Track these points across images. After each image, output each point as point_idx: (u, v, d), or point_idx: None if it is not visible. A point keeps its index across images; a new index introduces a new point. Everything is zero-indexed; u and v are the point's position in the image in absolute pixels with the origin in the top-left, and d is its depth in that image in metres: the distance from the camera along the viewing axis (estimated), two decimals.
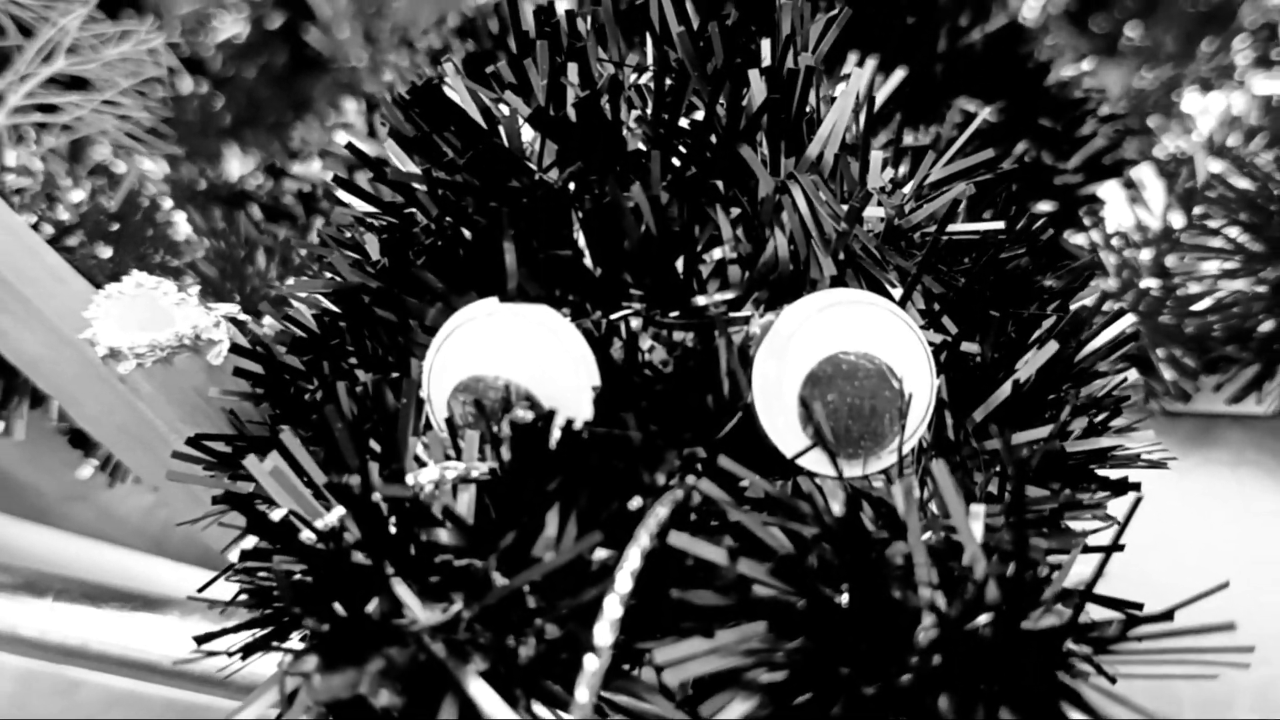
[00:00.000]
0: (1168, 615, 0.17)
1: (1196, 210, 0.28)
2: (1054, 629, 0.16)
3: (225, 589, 0.27)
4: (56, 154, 0.33)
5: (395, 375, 0.20)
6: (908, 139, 0.29)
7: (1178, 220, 0.29)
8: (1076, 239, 0.31)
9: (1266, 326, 0.27)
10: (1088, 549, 0.18)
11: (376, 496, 0.17)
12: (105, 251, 0.29)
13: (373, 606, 0.17)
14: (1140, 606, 0.18)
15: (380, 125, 0.35)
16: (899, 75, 0.28)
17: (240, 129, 0.47)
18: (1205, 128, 0.34)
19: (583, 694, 0.16)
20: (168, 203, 0.32)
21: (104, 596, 0.30)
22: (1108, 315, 0.26)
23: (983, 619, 0.16)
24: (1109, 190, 0.31)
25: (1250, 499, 0.30)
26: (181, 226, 0.31)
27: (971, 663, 0.16)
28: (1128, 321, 0.23)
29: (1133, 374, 0.25)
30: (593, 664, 0.16)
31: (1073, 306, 0.25)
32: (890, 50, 0.32)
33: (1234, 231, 0.27)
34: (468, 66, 0.34)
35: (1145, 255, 0.29)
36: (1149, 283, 0.29)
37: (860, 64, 0.28)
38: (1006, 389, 0.19)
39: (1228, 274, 0.27)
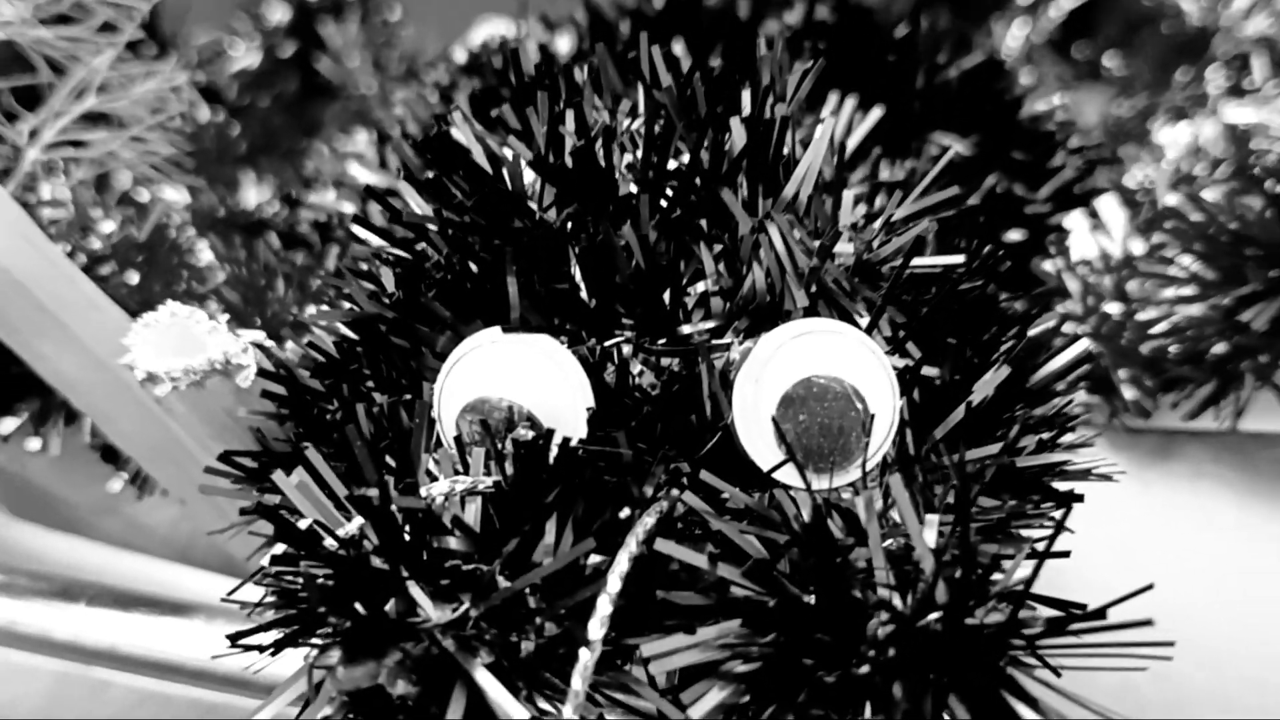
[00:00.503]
0: (1100, 613, 0.19)
1: (1155, 239, 0.30)
2: (995, 625, 0.18)
3: (250, 593, 0.29)
4: (85, 186, 0.35)
5: (408, 397, 0.22)
6: (886, 173, 0.31)
7: (1138, 248, 0.31)
8: (1045, 265, 0.33)
9: (1219, 348, 0.29)
10: (1035, 554, 0.20)
11: (393, 507, 0.19)
12: (135, 279, 0.31)
13: (390, 606, 0.19)
14: (1083, 608, 0.20)
15: (390, 156, 0.37)
16: (876, 114, 0.30)
17: (256, 156, 0.49)
18: (1173, 157, 0.36)
19: (577, 683, 0.18)
20: (191, 231, 0.34)
21: (133, 602, 0.32)
22: (1066, 338, 0.28)
23: (932, 616, 0.18)
24: (1074, 220, 0.33)
25: (1211, 511, 0.32)
26: (204, 254, 0.34)
27: (922, 655, 0.18)
28: (1082, 346, 0.25)
29: (1083, 395, 0.27)
30: (586, 656, 0.18)
31: (1031, 332, 0.27)
32: (870, 88, 0.34)
33: (1188, 260, 0.29)
34: (473, 103, 0.36)
35: (1107, 281, 0.31)
36: (1111, 307, 0.31)
37: (840, 104, 0.30)
38: (962, 410, 0.21)
39: (1183, 300, 0.29)
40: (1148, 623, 0.18)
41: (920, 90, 0.35)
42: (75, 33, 0.36)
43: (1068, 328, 0.30)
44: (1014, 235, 0.33)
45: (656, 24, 0.38)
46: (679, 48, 0.35)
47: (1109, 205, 0.32)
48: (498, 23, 0.61)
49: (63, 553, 0.35)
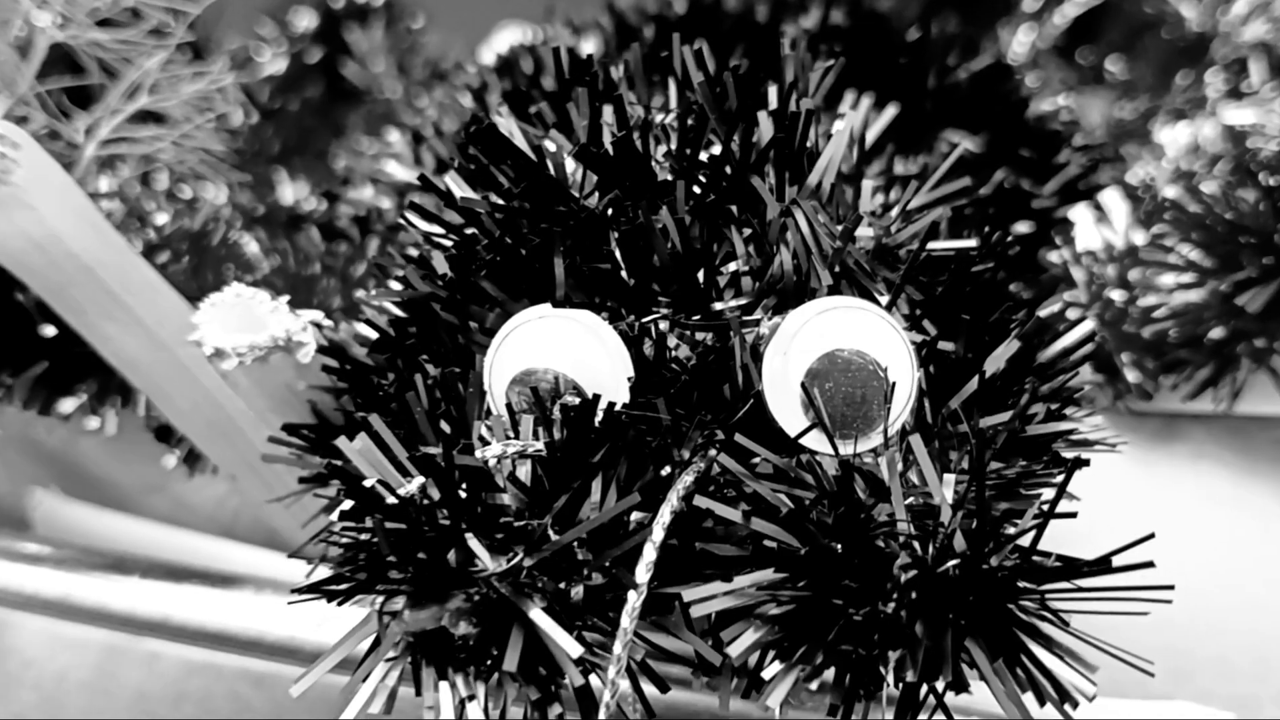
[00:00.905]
0: (1105, 561, 0.20)
1: (1155, 230, 0.32)
2: (1009, 569, 0.19)
3: (289, 569, 0.31)
4: (134, 181, 0.37)
5: (461, 370, 0.24)
6: (900, 167, 0.33)
7: (1139, 239, 0.33)
8: (1051, 256, 0.34)
9: (1217, 332, 0.31)
10: (1042, 512, 0.21)
11: (453, 466, 0.21)
12: (187, 266, 0.33)
13: (450, 556, 0.21)
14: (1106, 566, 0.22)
15: (425, 154, 0.39)
16: (891, 112, 0.32)
17: (288, 156, 0.51)
18: (1174, 155, 0.37)
19: (626, 621, 0.20)
20: (238, 224, 0.36)
21: (184, 575, 0.34)
22: (1071, 321, 0.30)
23: (951, 562, 0.20)
24: (1079, 213, 0.35)
25: (1210, 488, 0.34)
26: (251, 246, 0.35)
27: (942, 597, 0.19)
28: (1087, 327, 0.27)
29: (1087, 371, 0.29)
30: (634, 598, 0.20)
31: (1040, 313, 0.28)
32: (885, 88, 0.36)
33: (1187, 249, 0.31)
34: (506, 101, 0.38)
35: (1111, 270, 0.33)
36: (1114, 294, 0.32)
37: (856, 103, 0.31)
38: (975, 381, 0.23)
39: (1183, 286, 0.31)
40: (1149, 564, 0.20)
41: (932, 90, 0.37)
42: (127, 35, 0.38)
43: (1073, 313, 0.32)
44: (1022, 227, 0.35)
45: (679, 28, 0.39)
46: (703, 47, 0.37)
47: (1112, 198, 0.34)
48: (518, 29, 0.63)
49: (115, 530, 0.36)
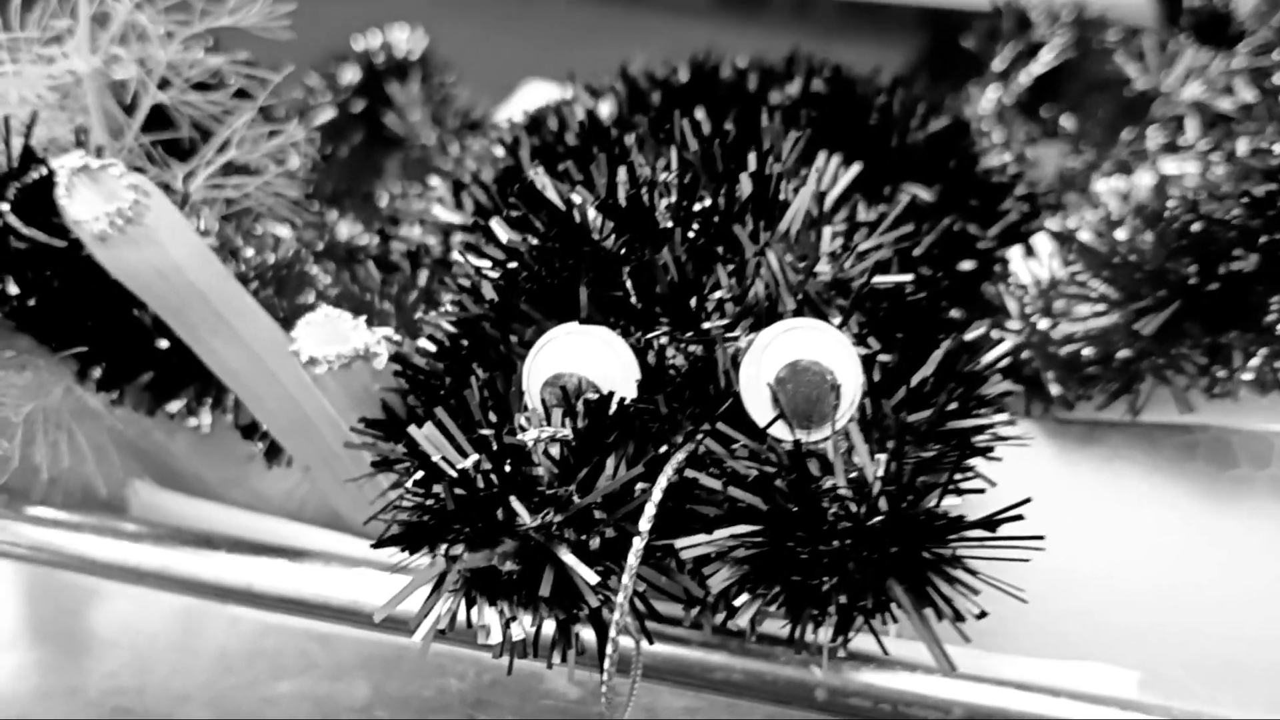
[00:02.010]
0: (989, 520, 0.26)
1: (1074, 268, 0.39)
2: (920, 522, 0.26)
3: (351, 546, 0.37)
4: (224, 220, 0.44)
5: (504, 374, 0.31)
6: (862, 214, 0.39)
7: (1061, 275, 0.39)
8: (990, 289, 0.41)
9: (1123, 353, 0.37)
10: (952, 481, 0.28)
11: (502, 445, 0.27)
12: (270, 293, 0.40)
13: (498, 514, 0.27)
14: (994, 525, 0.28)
15: (465, 199, 0.46)
16: (855, 169, 0.38)
17: (339, 198, 0.58)
18: (1105, 204, 0.44)
19: (632, 560, 0.26)
20: (310, 257, 0.43)
21: (262, 550, 0.40)
22: (994, 340, 0.36)
23: (877, 518, 0.26)
24: (1014, 253, 0.41)
25: (1123, 484, 0.40)
26: (322, 277, 0.42)
27: (869, 543, 0.26)
28: (1005, 346, 0.33)
29: (1009, 384, 0.35)
30: (638, 543, 0.26)
31: (968, 335, 0.35)
32: (855, 146, 0.43)
33: (1098, 283, 0.37)
34: (535, 155, 0.45)
35: (1039, 301, 0.39)
36: (1041, 322, 0.39)
37: (828, 161, 0.38)
38: (903, 390, 0.29)
39: (1095, 315, 0.38)
40: (1019, 518, 0.26)
41: (894, 148, 0.44)
42: (216, 98, 0.45)
43: (1008, 336, 0.39)
44: (966, 265, 0.41)
45: (682, 94, 0.46)
46: (700, 113, 0.44)
47: (1041, 241, 0.41)
48: (542, 85, 0.70)
49: (202, 514, 0.43)
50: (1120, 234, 0.38)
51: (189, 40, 0.44)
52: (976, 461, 0.31)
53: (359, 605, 0.39)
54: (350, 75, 0.67)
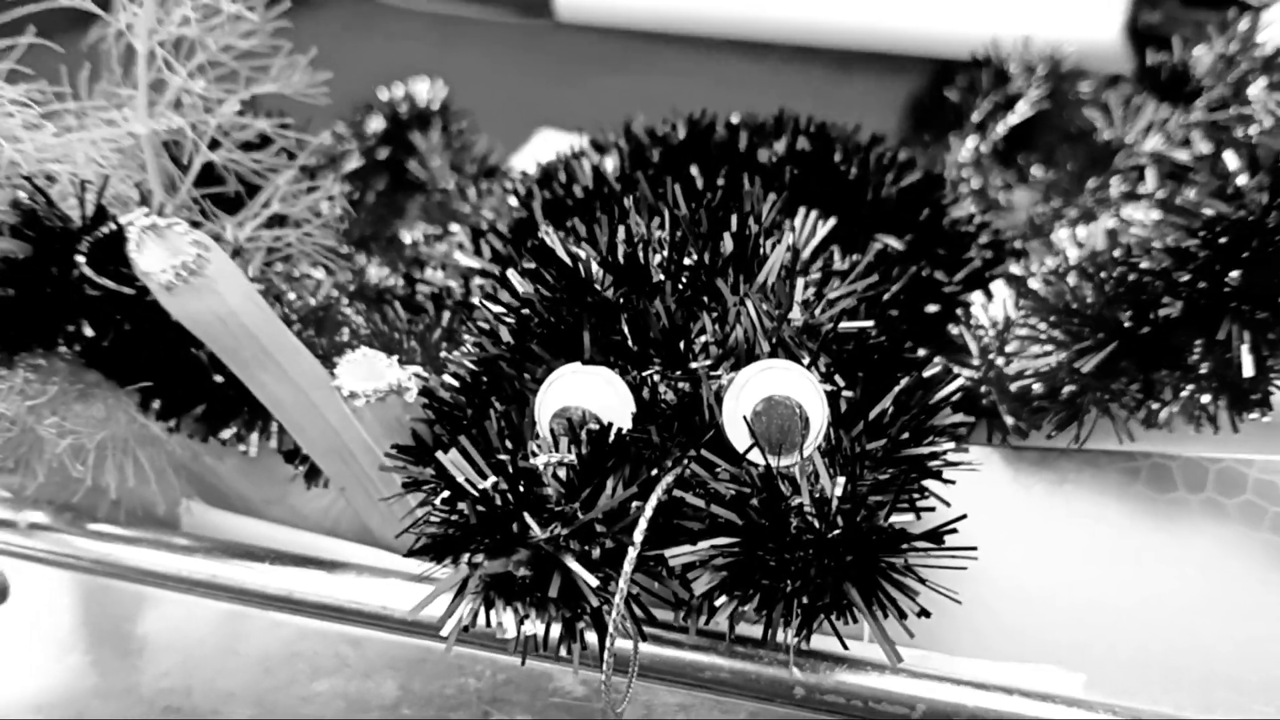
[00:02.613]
0: (933, 534, 0.31)
1: (1025, 312, 0.43)
2: (871, 535, 0.30)
3: (382, 559, 0.42)
4: (268, 267, 0.49)
5: (519, 407, 0.35)
6: (838, 262, 0.44)
7: (1015, 317, 0.44)
8: (953, 330, 0.45)
9: (1068, 389, 0.42)
10: (907, 501, 0.32)
11: (516, 468, 0.32)
12: (311, 333, 0.45)
13: (514, 528, 0.32)
14: (935, 537, 0.33)
15: (484, 245, 0.51)
16: (831, 223, 0.43)
17: (366, 242, 0.63)
18: (1070, 252, 0.49)
19: (627, 566, 0.30)
20: (344, 300, 0.48)
21: (301, 561, 0.45)
22: (951, 376, 0.41)
23: (835, 532, 0.31)
24: (976, 297, 0.46)
25: (1072, 505, 0.44)
26: (354, 318, 0.47)
27: (828, 552, 0.30)
28: (957, 382, 0.38)
29: (961, 416, 0.40)
30: (632, 551, 0.31)
31: (926, 373, 0.40)
32: (833, 199, 0.48)
33: (1044, 326, 0.42)
34: (545, 207, 0.50)
35: (995, 341, 0.44)
36: (997, 360, 0.43)
37: (806, 217, 0.43)
38: (862, 423, 0.34)
39: (1043, 354, 0.42)
40: (954, 531, 0.31)
41: (870, 201, 0.49)
42: (261, 156, 0.50)
43: (960, 370, 0.43)
44: (932, 308, 0.46)
45: (678, 150, 0.51)
46: (694, 170, 0.49)
47: (999, 287, 0.45)
48: (553, 133, 0.75)
49: (246, 530, 0.48)
50: (1070, 280, 0.43)
51: (236, 105, 0.49)
52: (939, 486, 0.36)
53: (388, 611, 0.43)
54: (375, 124, 0.72)
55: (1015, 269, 0.46)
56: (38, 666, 0.50)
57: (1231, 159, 0.50)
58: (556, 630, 0.33)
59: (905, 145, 0.72)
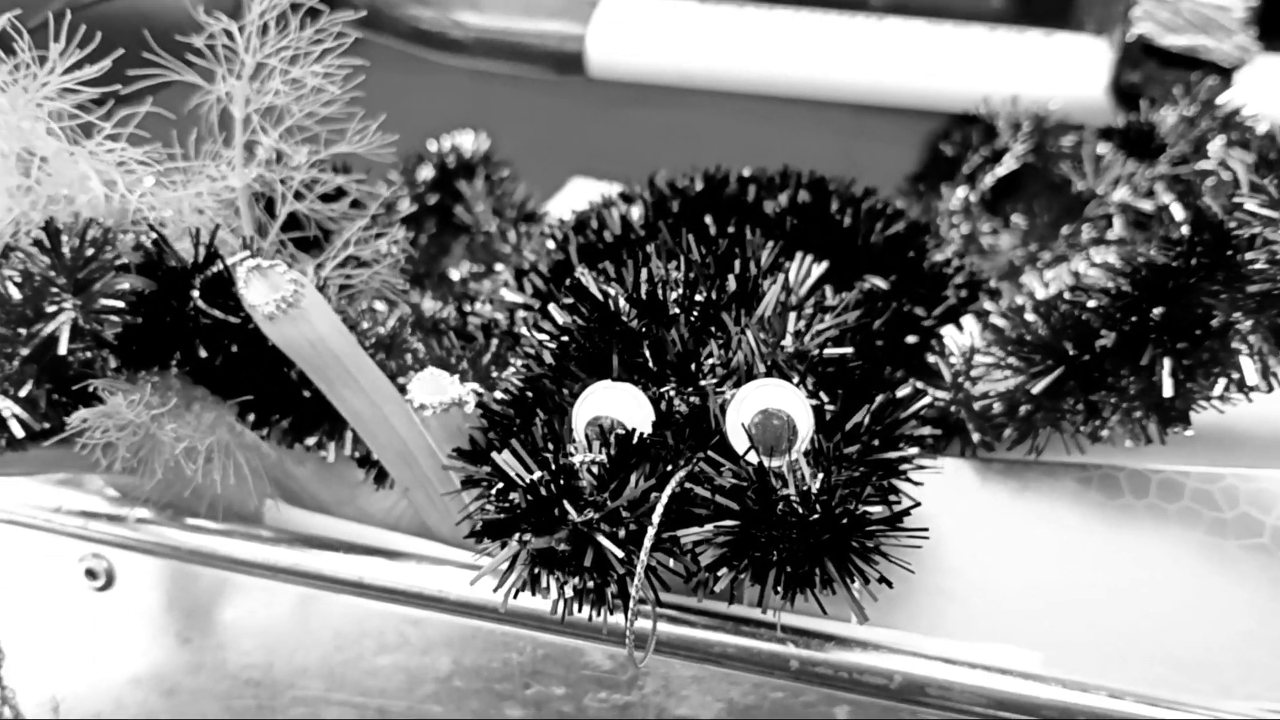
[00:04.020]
0: (892, 519, 0.38)
1: (988, 342, 0.51)
2: (842, 520, 0.38)
3: (439, 550, 0.50)
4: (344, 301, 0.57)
5: (559, 416, 0.43)
6: (829, 299, 0.52)
7: (980, 346, 0.51)
8: (930, 358, 0.53)
9: (1024, 408, 0.49)
10: (885, 499, 0.40)
11: (559, 466, 0.40)
12: (381, 356, 0.53)
13: (555, 512, 0.39)
14: (898, 520, 0.40)
15: (526, 284, 0.59)
16: (823, 266, 0.51)
17: (420, 279, 0.71)
18: (1037, 290, 0.56)
19: (647, 542, 0.38)
20: (408, 329, 0.56)
21: (368, 551, 0.53)
22: (921, 393, 0.48)
23: (814, 517, 0.38)
24: (949, 330, 0.53)
25: (1033, 512, 0.52)
26: (416, 345, 0.55)
27: (809, 533, 0.37)
28: (924, 400, 0.45)
29: (926, 428, 0.47)
30: (650, 531, 0.38)
31: (899, 392, 0.47)
32: (827, 245, 0.55)
33: (1002, 354, 0.49)
34: (580, 251, 0.58)
35: (964, 368, 0.51)
36: (966, 383, 0.51)
37: (801, 260, 0.51)
38: (839, 434, 0.41)
39: (1003, 378, 0.50)
40: (908, 513, 0.38)
41: (860, 246, 0.56)
42: (337, 208, 0.58)
43: (932, 391, 0.50)
44: (912, 339, 0.53)
45: (695, 201, 0.59)
46: (709, 219, 0.57)
47: (968, 321, 0.53)
48: (585, 181, 0.83)
49: (321, 525, 0.55)
50: (1028, 316, 0.50)
51: (317, 163, 0.57)
52: (919, 491, 0.43)
53: (444, 594, 0.51)
54: (425, 173, 0.81)
55: (988, 305, 0.54)
56: (137, 645, 0.58)
57: (1178, 210, 0.58)
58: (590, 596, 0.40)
59: (904, 194, 0.80)
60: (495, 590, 0.40)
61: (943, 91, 0.90)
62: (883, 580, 0.39)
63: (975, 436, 0.50)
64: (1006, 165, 0.77)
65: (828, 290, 0.51)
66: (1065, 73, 0.87)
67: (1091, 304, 0.47)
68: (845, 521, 0.38)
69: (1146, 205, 0.67)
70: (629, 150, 0.89)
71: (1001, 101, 0.80)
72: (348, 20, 0.56)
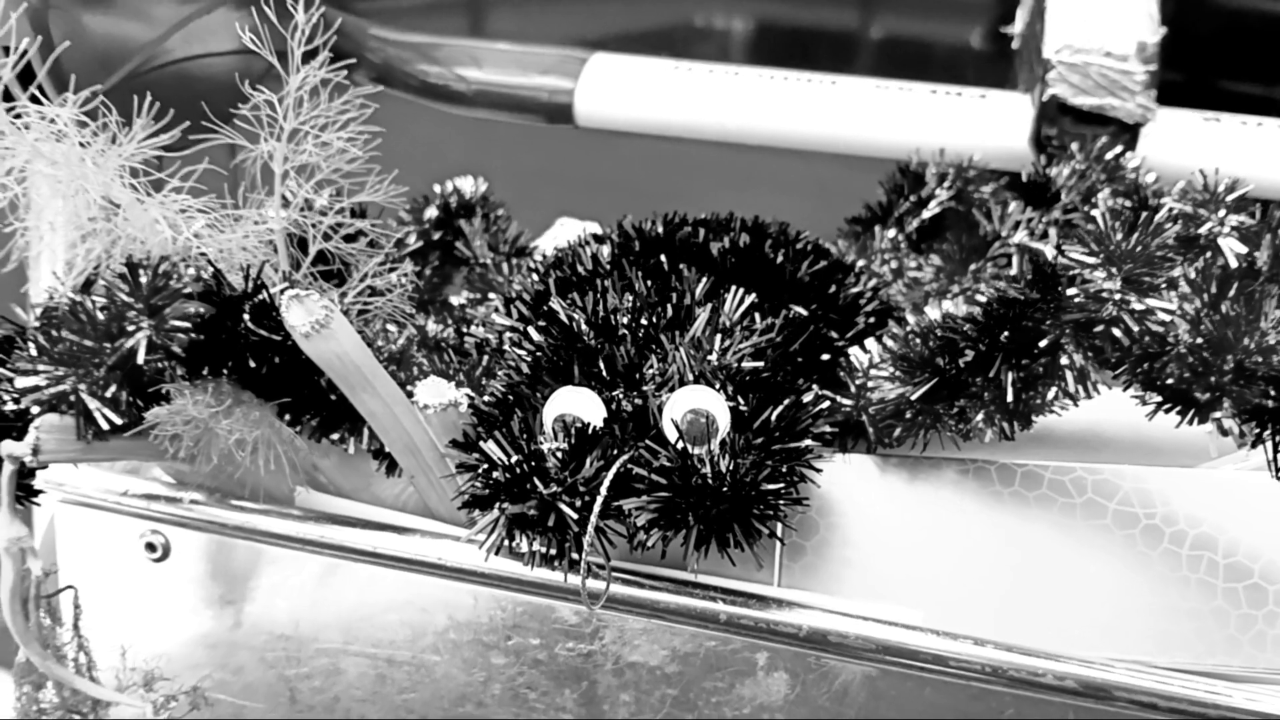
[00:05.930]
0: (786, 492, 0.50)
1: (884, 358, 0.63)
2: (748, 493, 0.50)
3: (439, 527, 0.62)
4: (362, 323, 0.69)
5: (532, 413, 0.55)
6: (758, 324, 0.64)
7: (877, 361, 0.63)
8: (841, 374, 0.65)
9: (908, 413, 0.61)
10: (791, 481, 0.52)
11: (533, 450, 0.52)
12: (394, 369, 0.65)
13: (528, 487, 0.51)
14: (788, 493, 0.52)
15: (513, 310, 0.71)
16: (752, 297, 0.63)
17: (425, 305, 0.83)
18: (933, 314, 0.68)
19: (596, 507, 0.50)
20: (415, 347, 0.68)
21: (380, 526, 0.65)
22: (824, 398, 0.60)
23: (725, 489, 0.50)
24: (855, 351, 0.65)
25: (921, 496, 0.63)
26: (422, 360, 0.67)
27: (720, 502, 0.49)
28: (824, 404, 0.57)
29: (825, 426, 0.59)
30: (599, 499, 0.50)
31: (805, 398, 0.59)
32: (760, 280, 0.67)
33: (892, 369, 0.61)
34: (558, 283, 0.70)
35: (864, 379, 0.63)
36: (866, 392, 0.63)
37: (734, 293, 0.63)
38: (749, 429, 0.53)
39: (892, 388, 0.62)
40: (791, 488, 0.50)
41: (787, 280, 0.68)
42: (358, 246, 0.70)
43: (838, 398, 0.62)
44: (825, 357, 0.66)
45: (654, 242, 0.71)
46: (663, 257, 0.69)
47: (872, 343, 0.65)
48: (570, 221, 0.96)
49: (341, 507, 0.67)
50: (915, 338, 0.62)
51: (340, 209, 0.70)
52: (827, 482, 0.55)
53: (442, 561, 0.63)
54: (430, 212, 0.92)
55: (893, 329, 0.66)
56: (186, 606, 0.70)
57: (1049, 251, 0.70)
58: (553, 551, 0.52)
59: (843, 235, 0.93)
60: (480, 547, 0.52)
61: (889, 143, 1.03)
62: (774, 536, 0.51)
63: (872, 435, 0.62)
64: (930, 210, 0.89)
65: (757, 317, 0.63)
66: (994, 128, 0.99)
67: (964, 328, 0.59)
68: (747, 494, 0.50)
69: (1040, 246, 0.79)
70: (610, 192, 1.01)
71: (930, 153, 0.92)
72: (366, 92, 0.68)
